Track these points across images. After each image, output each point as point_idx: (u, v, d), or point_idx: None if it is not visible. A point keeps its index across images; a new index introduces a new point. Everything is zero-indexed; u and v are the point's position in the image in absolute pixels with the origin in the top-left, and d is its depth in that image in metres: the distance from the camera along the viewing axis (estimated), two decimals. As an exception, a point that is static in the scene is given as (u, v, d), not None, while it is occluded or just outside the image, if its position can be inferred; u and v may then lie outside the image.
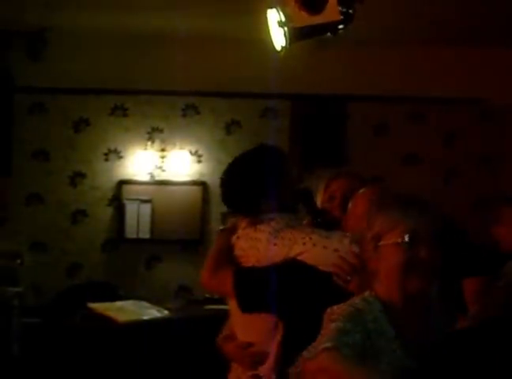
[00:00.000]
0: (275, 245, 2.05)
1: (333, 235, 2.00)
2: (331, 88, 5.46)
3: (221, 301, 3.20)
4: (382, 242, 1.51)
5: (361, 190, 2.14)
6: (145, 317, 3.42)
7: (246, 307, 2.09)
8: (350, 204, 2.08)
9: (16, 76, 5.19)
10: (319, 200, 2.54)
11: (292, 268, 2.00)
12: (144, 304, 3.70)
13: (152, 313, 3.48)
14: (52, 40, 5.18)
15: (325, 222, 2.23)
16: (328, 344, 1.41)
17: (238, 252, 2.17)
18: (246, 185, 2.15)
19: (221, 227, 2.32)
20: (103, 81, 5.40)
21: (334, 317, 1.48)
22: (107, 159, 5.52)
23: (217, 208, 5.49)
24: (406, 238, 1.49)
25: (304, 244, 1.99)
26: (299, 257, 2.00)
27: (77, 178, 5.49)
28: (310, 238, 1.99)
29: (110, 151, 5.53)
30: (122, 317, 3.47)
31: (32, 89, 5.38)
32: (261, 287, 2.02)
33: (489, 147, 5.73)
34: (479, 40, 5.25)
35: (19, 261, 5.05)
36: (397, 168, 5.71)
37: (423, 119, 5.77)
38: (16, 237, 5.29)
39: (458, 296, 2.57)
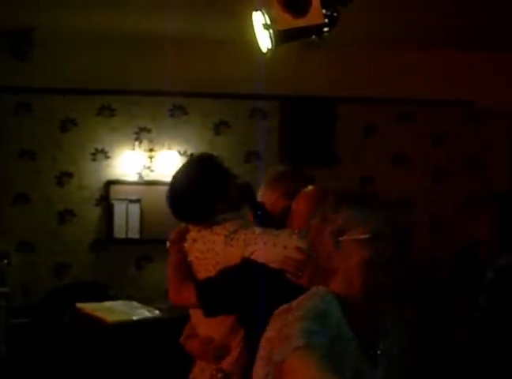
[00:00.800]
0: (231, 246, 2.12)
1: (283, 233, 2.05)
2: (320, 90, 5.49)
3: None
4: (344, 238, 1.49)
5: (305, 189, 2.19)
6: (135, 317, 3.41)
7: (211, 314, 2.15)
8: (294, 203, 2.11)
9: (2, 76, 5.17)
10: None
11: (246, 269, 2.05)
12: (134, 304, 3.69)
13: (142, 313, 3.47)
14: (38, 40, 5.16)
15: (266, 214, 2.26)
16: (299, 344, 1.37)
17: (196, 254, 2.23)
18: (198, 194, 2.20)
19: (168, 243, 2.37)
20: (90, 81, 5.38)
21: (297, 314, 1.43)
22: (94, 159, 5.51)
23: (206, 207, 5.50)
24: (370, 235, 1.48)
25: (256, 243, 2.06)
26: (251, 257, 2.06)
27: (64, 177, 5.47)
28: (262, 238, 2.05)
29: (97, 151, 5.52)
30: (111, 317, 3.44)
31: (18, 89, 5.35)
32: (222, 295, 2.09)
33: (476, 148, 5.79)
34: (465, 43, 5.30)
35: (6, 261, 5.02)
36: (386, 168, 5.75)
37: (412, 120, 5.82)
38: (3, 237, 5.27)
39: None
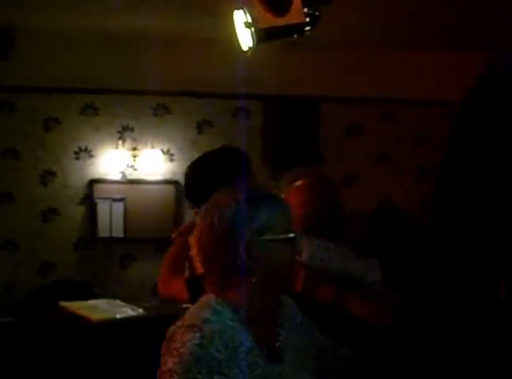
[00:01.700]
0: None
1: None
2: (304, 89, 5.51)
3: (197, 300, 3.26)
4: (268, 237, 1.44)
5: (296, 183, 2.22)
6: (119, 316, 3.43)
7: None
8: (285, 197, 2.09)
9: (-16, 75, 5.17)
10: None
11: None
12: (118, 303, 3.71)
13: (126, 311, 3.48)
14: (21, 39, 5.15)
15: None
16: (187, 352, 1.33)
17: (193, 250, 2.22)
18: (205, 180, 2.20)
19: (174, 234, 2.40)
20: (73, 80, 5.37)
21: (174, 350, 1.37)
22: (77, 158, 5.51)
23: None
24: (292, 234, 1.47)
25: None
26: None
27: (47, 176, 5.47)
28: None
29: (81, 150, 5.51)
30: (95, 316, 3.45)
31: (0, 88, 5.33)
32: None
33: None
34: (449, 44, 5.33)
35: (-10, 261, 5.01)
36: (369, 168, 5.81)
37: (395, 120, 5.86)
38: (-14, 236, 5.28)
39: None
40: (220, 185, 2.13)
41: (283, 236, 1.46)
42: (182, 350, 1.36)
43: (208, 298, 1.47)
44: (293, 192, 2.19)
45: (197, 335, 1.37)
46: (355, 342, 2.01)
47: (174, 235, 2.41)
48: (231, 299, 1.45)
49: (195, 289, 2.09)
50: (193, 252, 2.22)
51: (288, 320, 1.56)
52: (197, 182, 2.26)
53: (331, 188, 2.32)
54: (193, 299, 2.09)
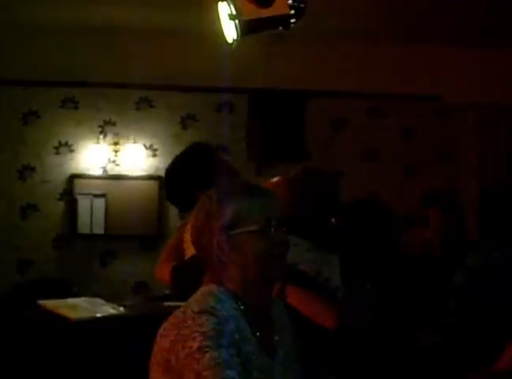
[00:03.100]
0: None
1: None
2: (289, 83, 5.44)
3: (181, 297, 3.21)
4: (236, 231, 1.46)
5: (274, 179, 2.27)
6: (99, 315, 3.33)
7: (179, 296, 2.17)
8: None
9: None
10: None
11: None
12: (98, 301, 3.59)
13: (106, 310, 3.38)
14: (-1, 32, 5.04)
15: None
16: (202, 344, 1.32)
17: (185, 244, 2.34)
18: (181, 181, 2.30)
19: (179, 223, 2.48)
20: (52, 73, 5.28)
21: (194, 333, 1.35)
22: (57, 153, 5.42)
23: (174, 203, 5.45)
24: (265, 224, 1.47)
25: None
26: None
27: (26, 171, 5.38)
28: None
29: (61, 144, 5.42)
30: (74, 315, 3.35)
31: (-22, 81, 5.23)
32: (188, 280, 2.08)
33: (445, 142, 5.81)
34: (435, 38, 5.29)
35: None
36: (356, 163, 5.75)
37: (382, 115, 5.80)
38: (-37, 232, 5.17)
39: None
40: (200, 186, 2.16)
41: (252, 228, 1.46)
42: (203, 329, 1.36)
43: (210, 287, 1.48)
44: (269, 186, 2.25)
45: (213, 317, 1.38)
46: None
47: (179, 225, 2.52)
48: (230, 289, 1.48)
49: (178, 275, 2.20)
50: (186, 244, 2.34)
51: (279, 320, 1.57)
52: (177, 189, 2.34)
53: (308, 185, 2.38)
54: (173, 284, 2.15)
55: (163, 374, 1.39)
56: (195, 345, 1.34)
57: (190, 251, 2.23)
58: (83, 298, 3.74)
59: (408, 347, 2.64)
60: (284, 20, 2.41)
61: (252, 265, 1.46)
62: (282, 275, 1.55)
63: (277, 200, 1.54)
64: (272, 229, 1.47)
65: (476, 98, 5.53)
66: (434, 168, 5.78)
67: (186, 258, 2.39)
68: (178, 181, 2.33)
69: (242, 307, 1.45)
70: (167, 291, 4.19)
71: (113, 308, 3.45)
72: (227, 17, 2.46)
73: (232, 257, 1.47)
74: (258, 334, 1.45)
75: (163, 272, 2.42)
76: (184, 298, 2.13)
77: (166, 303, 3.87)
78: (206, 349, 1.33)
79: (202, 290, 1.49)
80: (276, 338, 1.51)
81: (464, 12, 4.60)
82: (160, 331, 1.44)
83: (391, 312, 2.66)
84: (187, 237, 2.27)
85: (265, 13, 2.39)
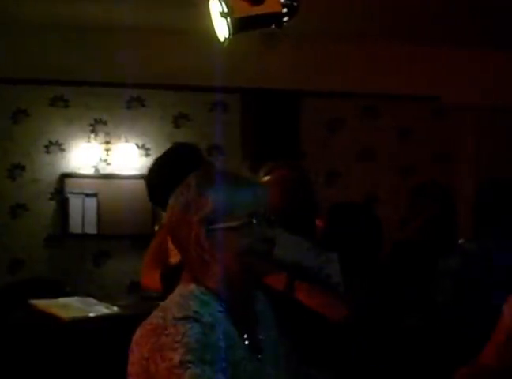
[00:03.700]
0: None
1: None
2: (284, 83, 5.41)
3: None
4: (217, 226, 1.34)
5: (266, 178, 2.28)
6: (92, 314, 3.29)
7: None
8: None
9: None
10: None
11: None
12: (91, 300, 3.55)
13: (99, 309, 3.34)
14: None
15: None
16: (182, 358, 1.21)
17: (170, 245, 2.29)
18: (163, 180, 2.25)
19: (157, 226, 2.45)
20: (42, 71, 5.21)
21: (175, 343, 1.23)
22: (48, 152, 5.36)
23: (167, 201, 5.41)
24: (249, 220, 1.35)
25: None
26: None
27: (16, 170, 5.31)
28: None
29: (51, 143, 5.36)
30: (66, 314, 3.31)
31: (-34, 79, 5.17)
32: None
33: (443, 143, 5.78)
34: (432, 38, 5.27)
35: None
36: (352, 163, 5.72)
37: (378, 115, 5.77)
38: (-48, 232, 5.10)
39: None
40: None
41: (234, 223, 1.35)
42: (185, 339, 1.24)
43: (190, 288, 1.37)
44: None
45: (197, 324, 1.26)
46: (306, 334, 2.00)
47: (156, 228, 2.45)
48: (212, 289, 1.36)
49: (168, 282, 2.14)
50: (170, 244, 2.27)
51: (263, 316, 1.48)
52: (159, 188, 2.31)
53: (296, 181, 2.36)
54: (165, 292, 2.11)
55: None
56: (176, 358, 1.22)
57: (174, 252, 2.20)
58: (75, 298, 3.70)
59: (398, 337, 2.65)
60: (276, 18, 2.39)
61: (234, 263, 1.35)
62: (267, 273, 1.45)
63: (265, 193, 1.42)
64: (258, 224, 1.36)
65: (474, 99, 5.53)
66: (431, 169, 5.72)
67: (170, 260, 2.35)
68: (160, 180, 2.29)
69: (225, 308, 1.35)
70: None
71: (106, 307, 3.41)
72: (219, 15, 2.46)
73: (213, 254, 1.35)
74: (246, 336, 1.37)
75: (151, 279, 2.37)
76: None
77: (161, 303, 3.85)
78: (188, 364, 1.21)
79: (181, 290, 1.38)
80: (262, 337, 1.43)
81: (463, 12, 4.59)
82: (136, 338, 1.31)
83: (382, 308, 2.67)
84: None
85: (257, 10, 2.37)
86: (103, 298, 3.64)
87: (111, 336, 3.27)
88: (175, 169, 2.22)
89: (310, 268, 2.14)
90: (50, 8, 4.75)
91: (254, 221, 1.36)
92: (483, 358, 1.87)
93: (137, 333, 1.32)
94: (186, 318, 1.27)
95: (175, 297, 1.36)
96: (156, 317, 1.31)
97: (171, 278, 2.16)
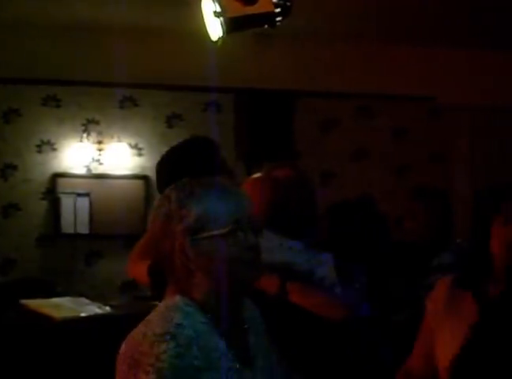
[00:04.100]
0: None
1: None
2: (278, 83, 5.39)
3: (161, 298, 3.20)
4: (201, 235, 1.33)
5: (250, 178, 2.25)
6: (84, 314, 3.27)
7: (156, 295, 2.12)
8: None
9: None
10: None
11: None
12: (83, 300, 3.54)
13: (91, 309, 3.33)
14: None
15: None
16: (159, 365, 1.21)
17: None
18: (172, 172, 2.19)
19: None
20: (33, 71, 5.19)
21: (147, 366, 1.23)
22: (40, 151, 5.33)
23: (159, 202, 5.40)
24: (233, 227, 1.34)
25: None
26: None
27: (8, 170, 5.28)
28: None
29: (43, 142, 5.34)
30: (58, 314, 3.29)
31: (-42, 78, 5.14)
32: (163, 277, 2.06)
33: (437, 143, 5.76)
34: (427, 39, 5.27)
35: None
36: (347, 164, 5.71)
37: (372, 115, 5.75)
38: None
39: None
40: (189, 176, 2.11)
41: (218, 232, 1.34)
42: (158, 364, 1.23)
43: (175, 299, 1.35)
44: (247, 186, 2.23)
45: (172, 344, 1.24)
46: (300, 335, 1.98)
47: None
48: (197, 300, 1.35)
49: (155, 275, 2.09)
50: None
51: (253, 325, 1.47)
52: (165, 176, 2.22)
53: (298, 180, 2.34)
54: (154, 287, 2.08)
55: None
56: None
57: None
58: (67, 298, 3.68)
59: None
60: (269, 17, 2.39)
61: (220, 271, 1.34)
62: (255, 281, 1.41)
63: (248, 201, 1.40)
64: (242, 232, 1.35)
65: (470, 99, 5.53)
66: (427, 169, 5.71)
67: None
68: (168, 169, 2.23)
69: (211, 319, 1.33)
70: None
71: (98, 307, 3.40)
72: (212, 15, 2.46)
73: (198, 263, 1.34)
74: (234, 346, 1.35)
75: (138, 271, 2.30)
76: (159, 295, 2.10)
77: (154, 302, 3.84)
78: None
79: (167, 302, 1.36)
80: (250, 345, 1.41)
81: (458, 12, 4.60)
82: (120, 351, 1.31)
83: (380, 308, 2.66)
84: None
85: (250, 10, 2.38)
86: (95, 298, 3.63)
87: (103, 336, 3.26)
88: (182, 160, 2.19)
89: (301, 272, 2.11)
90: (43, 7, 4.73)
91: (238, 229, 1.35)
92: (411, 360, 1.86)
93: (122, 346, 1.31)
94: (164, 335, 1.25)
95: (160, 308, 1.36)
96: (138, 333, 1.30)
97: (159, 273, 2.15)
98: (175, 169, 2.17)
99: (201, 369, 1.26)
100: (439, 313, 1.76)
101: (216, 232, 1.34)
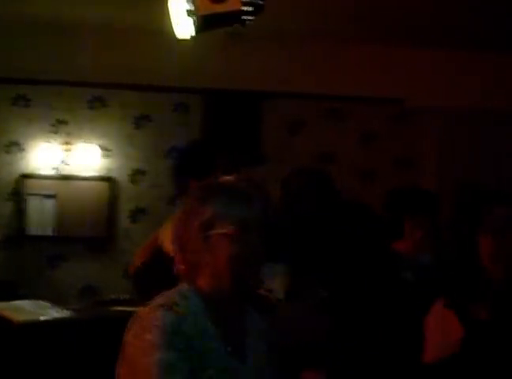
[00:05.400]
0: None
1: None
2: (246, 84, 5.36)
3: (129, 302, 3.19)
4: (212, 232, 1.47)
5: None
6: (42, 318, 3.25)
7: (141, 298, 2.18)
8: None
9: None
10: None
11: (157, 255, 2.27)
12: (44, 304, 3.52)
13: (51, 313, 3.31)
14: None
15: None
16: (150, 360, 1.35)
17: (160, 236, 2.46)
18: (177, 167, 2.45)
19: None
20: (3, 70, 5.13)
21: (151, 326, 1.39)
22: (7, 152, 5.28)
23: (126, 204, 5.36)
24: (240, 228, 1.47)
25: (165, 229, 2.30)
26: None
27: (-26, 170, 5.24)
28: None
29: (11, 143, 5.29)
30: (17, 317, 3.27)
31: None
32: (152, 283, 2.13)
33: (405, 148, 5.70)
34: (396, 40, 5.24)
35: None
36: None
37: (340, 118, 5.72)
38: None
39: None
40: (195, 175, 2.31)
41: (226, 230, 1.46)
42: (158, 323, 1.39)
43: (181, 286, 1.51)
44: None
45: (170, 312, 1.41)
46: None
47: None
48: (200, 288, 1.49)
49: (137, 278, 2.29)
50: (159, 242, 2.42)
51: (254, 329, 1.56)
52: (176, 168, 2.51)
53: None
54: (137, 289, 2.18)
55: (123, 366, 1.42)
56: (150, 338, 1.37)
57: (167, 243, 2.24)
58: (27, 301, 3.65)
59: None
60: (239, 17, 2.42)
61: (224, 269, 1.47)
62: (255, 282, 1.55)
63: (258, 203, 1.53)
64: (247, 233, 1.47)
65: (439, 101, 5.52)
66: (392, 174, 5.64)
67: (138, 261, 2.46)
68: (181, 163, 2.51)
69: (208, 306, 1.46)
70: (113, 296, 4.13)
71: (57, 311, 3.38)
72: (186, 13, 2.47)
73: (206, 258, 1.47)
74: (224, 333, 1.45)
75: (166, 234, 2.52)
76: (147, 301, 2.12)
77: (114, 308, 3.82)
78: (158, 347, 1.36)
79: (176, 288, 1.51)
80: (245, 343, 1.50)
81: (426, 13, 4.60)
82: (128, 325, 1.46)
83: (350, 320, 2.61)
84: (161, 235, 2.39)
85: (219, 8, 2.40)
86: (57, 302, 3.60)
87: (62, 340, 3.24)
88: (199, 157, 2.47)
89: None
90: (13, 6, 4.67)
91: (244, 230, 1.47)
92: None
93: (129, 322, 1.46)
94: (163, 306, 1.42)
95: (167, 291, 1.51)
96: (145, 307, 1.46)
97: (142, 276, 2.22)
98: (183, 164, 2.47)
99: (194, 337, 1.40)
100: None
101: (222, 231, 1.46)
